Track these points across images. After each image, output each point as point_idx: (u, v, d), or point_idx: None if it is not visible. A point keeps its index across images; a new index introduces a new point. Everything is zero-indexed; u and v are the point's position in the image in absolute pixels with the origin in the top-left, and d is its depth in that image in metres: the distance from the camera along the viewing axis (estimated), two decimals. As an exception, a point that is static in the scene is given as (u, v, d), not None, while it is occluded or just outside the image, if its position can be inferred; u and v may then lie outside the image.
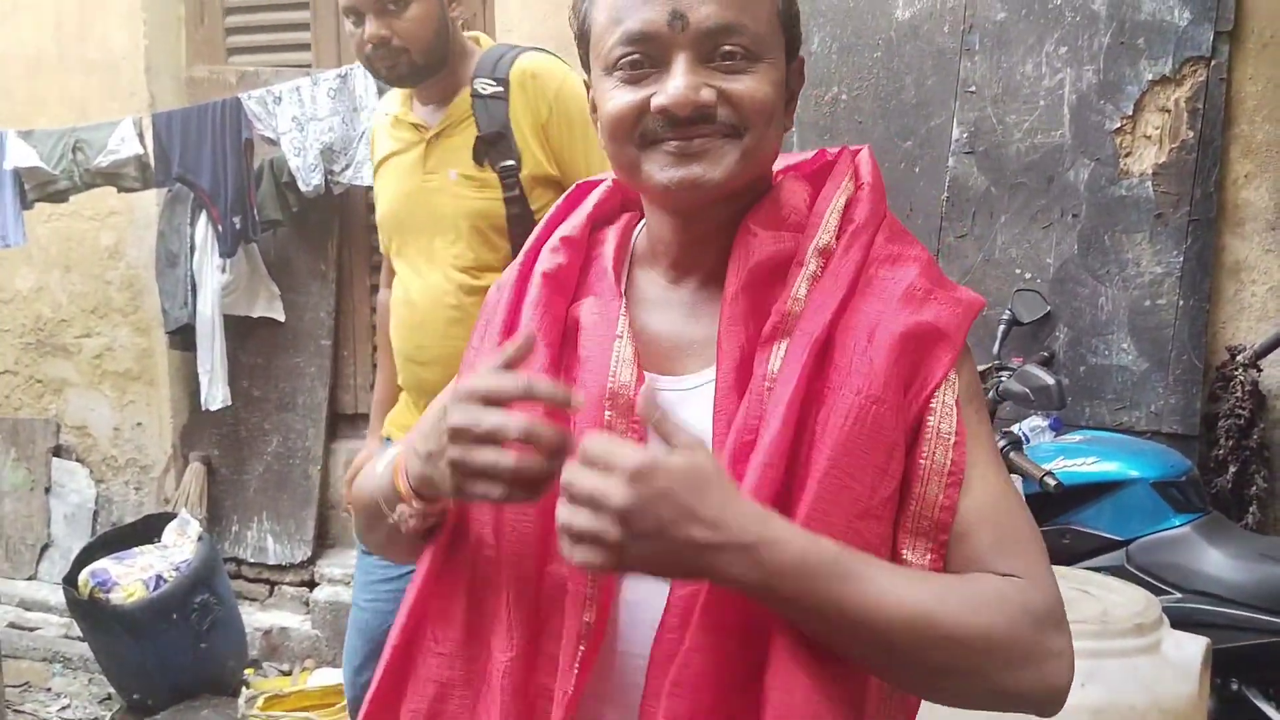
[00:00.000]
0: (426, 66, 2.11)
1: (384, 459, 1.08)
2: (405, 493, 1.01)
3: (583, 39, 1.06)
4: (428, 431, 0.96)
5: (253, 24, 4.21)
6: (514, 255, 1.18)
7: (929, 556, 0.93)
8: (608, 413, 1.00)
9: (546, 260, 1.09)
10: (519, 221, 2.08)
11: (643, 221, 1.14)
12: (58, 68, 4.26)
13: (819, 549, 0.87)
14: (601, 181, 1.17)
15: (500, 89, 2.10)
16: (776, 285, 1.00)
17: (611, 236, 1.11)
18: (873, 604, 0.86)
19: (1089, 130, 2.93)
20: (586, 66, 1.07)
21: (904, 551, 0.94)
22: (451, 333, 2.09)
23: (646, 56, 0.98)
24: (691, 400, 1.00)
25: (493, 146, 2.09)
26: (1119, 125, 2.90)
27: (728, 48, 0.97)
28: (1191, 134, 2.85)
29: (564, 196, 1.17)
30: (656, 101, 0.96)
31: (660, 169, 0.98)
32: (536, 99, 2.08)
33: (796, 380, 0.92)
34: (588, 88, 1.09)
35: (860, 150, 1.09)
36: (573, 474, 0.86)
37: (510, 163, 2.08)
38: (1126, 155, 2.91)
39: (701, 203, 1.01)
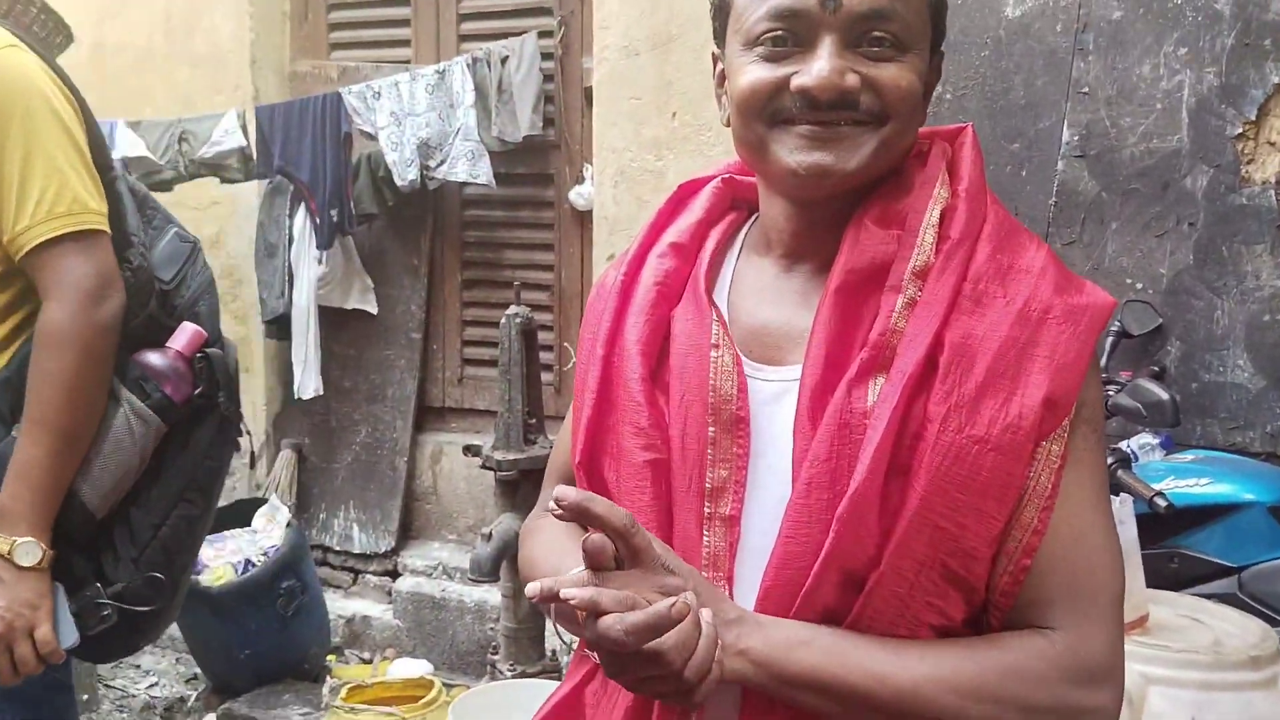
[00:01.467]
0: None
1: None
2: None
3: (721, 10, 1.02)
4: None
5: (355, 20, 4.27)
6: None
7: (1004, 579, 0.93)
8: (711, 429, 0.96)
9: (654, 266, 1.06)
10: None
11: (754, 215, 1.10)
12: (165, 60, 4.37)
13: (816, 627, 0.91)
14: (710, 180, 1.13)
15: None
16: (874, 291, 0.95)
17: (712, 239, 1.08)
18: (879, 675, 0.89)
19: (1208, 135, 2.80)
20: (720, 38, 1.04)
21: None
22: None
23: (791, 34, 0.94)
24: (793, 392, 0.97)
25: None
26: (1241, 130, 2.76)
27: (877, 34, 0.93)
28: (1320, 141, 2.70)
29: (670, 196, 1.14)
30: (798, 81, 0.93)
31: (790, 151, 0.95)
32: None
33: (887, 423, 0.89)
34: (715, 60, 1.06)
35: (960, 135, 1.03)
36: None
37: None
38: (1248, 162, 2.77)
39: (827, 192, 0.97)
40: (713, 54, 1.07)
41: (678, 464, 0.97)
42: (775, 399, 0.97)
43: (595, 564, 0.86)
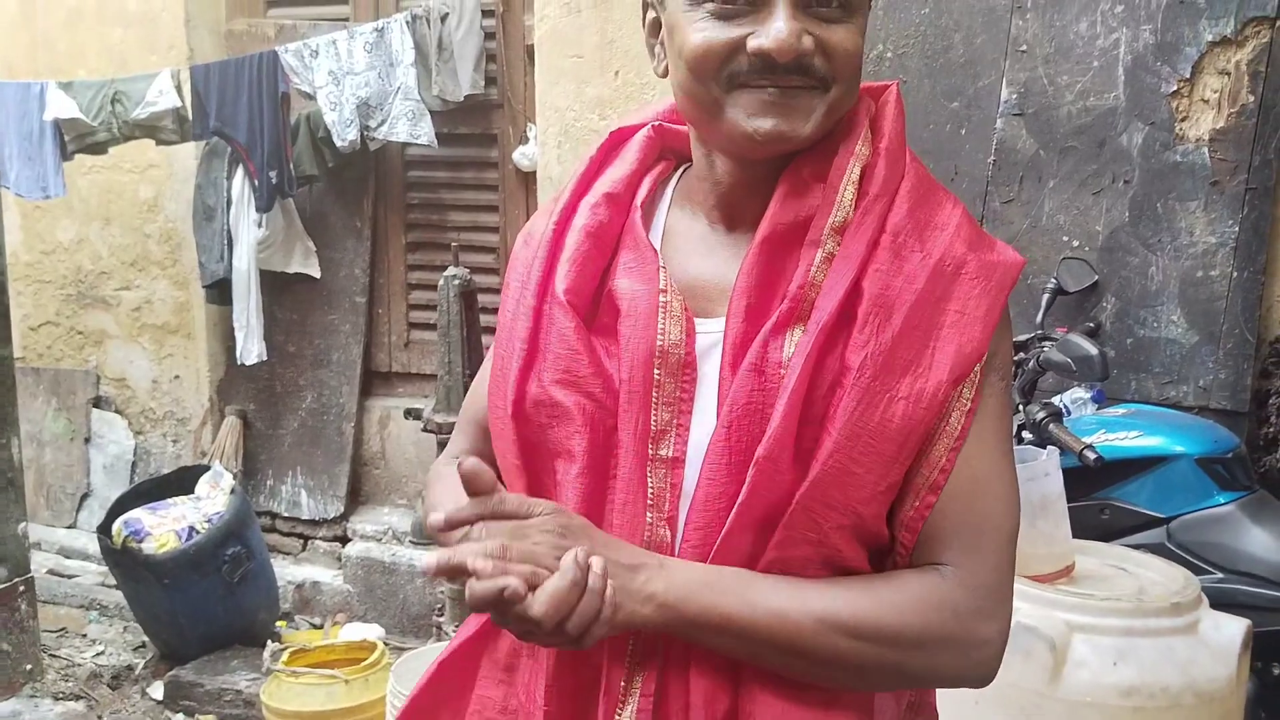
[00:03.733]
0: None
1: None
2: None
3: None
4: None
5: (292, -23, 4.18)
6: None
7: (909, 514, 0.97)
8: (656, 372, 0.97)
9: (586, 216, 1.05)
10: None
11: (684, 165, 1.10)
12: (98, 19, 4.26)
13: (720, 569, 0.94)
14: (640, 128, 1.12)
15: None
16: (797, 246, 0.97)
17: (644, 189, 1.08)
18: (779, 611, 0.92)
19: (1144, 93, 2.82)
20: None
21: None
22: None
23: None
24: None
25: None
26: (1175, 88, 2.78)
27: None
28: (1252, 98, 2.72)
29: (601, 144, 1.12)
30: (756, 43, 0.92)
31: (748, 116, 0.94)
32: None
33: (800, 372, 0.91)
34: (647, 7, 1.04)
35: (885, 92, 1.04)
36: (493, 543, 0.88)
37: None
38: (1183, 120, 2.79)
39: (778, 154, 0.98)
40: (644, 1, 1.05)
41: (623, 409, 0.97)
42: (708, 351, 0.98)
43: (474, 490, 0.90)
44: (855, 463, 0.92)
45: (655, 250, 1.02)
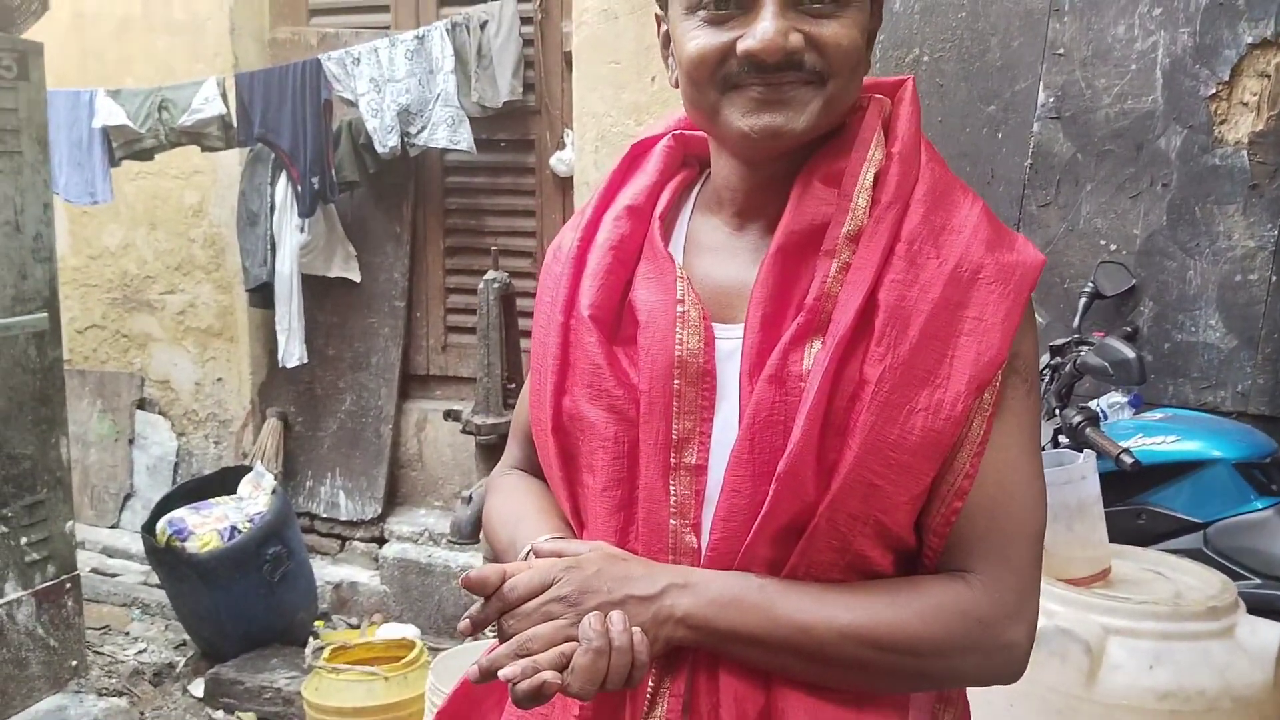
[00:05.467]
0: None
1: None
2: None
3: None
4: None
5: (334, -15, 4.24)
6: None
7: (936, 520, 0.97)
8: (676, 381, 0.98)
9: (609, 229, 1.07)
10: None
11: (706, 172, 1.11)
12: (145, 28, 4.35)
13: (744, 580, 0.95)
14: (660, 138, 1.14)
15: None
16: (813, 253, 0.98)
17: (664, 199, 1.09)
18: (804, 625, 0.93)
19: (1182, 96, 2.80)
20: (662, 2, 1.04)
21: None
22: None
23: None
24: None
25: None
26: (1214, 91, 2.77)
27: None
28: (1293, 101, 2.71)
29: (623, 157, 1.14)
30: (744, 45, 0.93)
31: (742, 115, 0.96)
32: None
33: (818, 386, 0.92)
34: (659, 21, 1.06)
35: (900, 89, 1.04)
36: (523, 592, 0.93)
37: None
38: (1221, 123, 2.77)
39: (779, 151, 0.99)
40: (655, 15, 1.08)
41: (644, 419, 0.99)
42: (729, 356, 0.99)
43: (484, 594, 0.95)
44: (877, 475, 0.92)
45: (673, 260, 1.03)
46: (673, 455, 0.98)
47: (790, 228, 0.98)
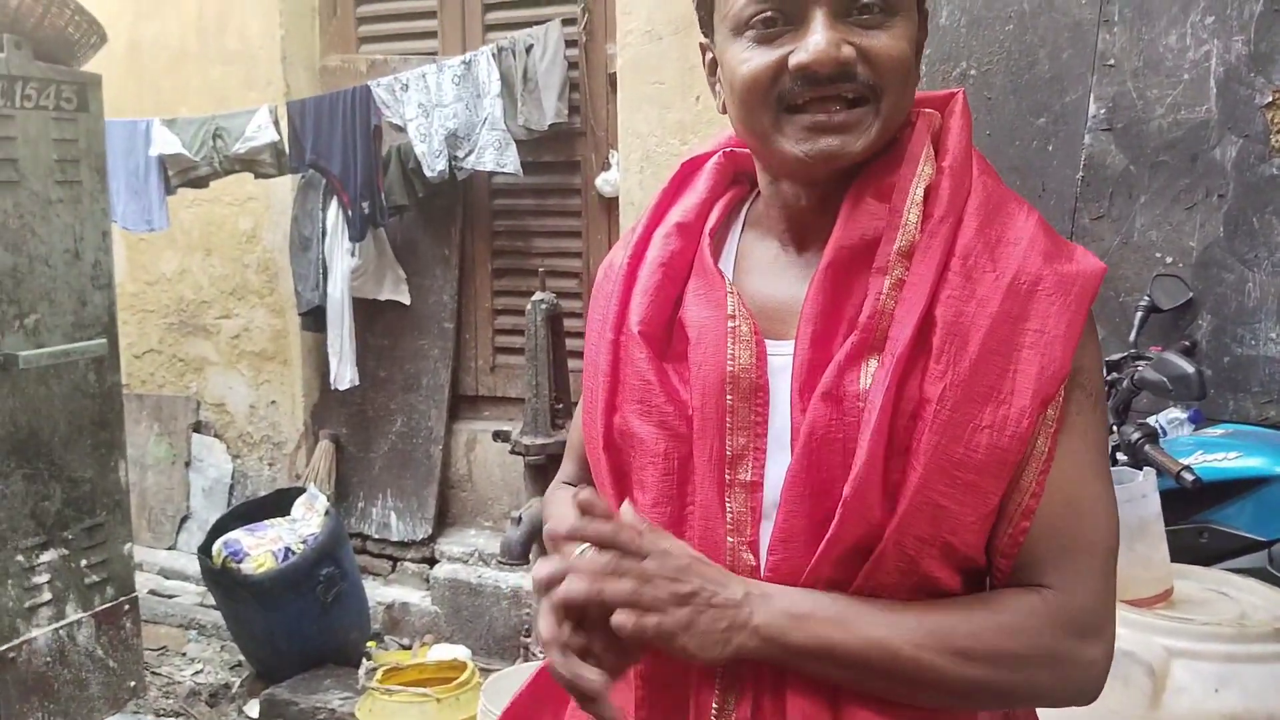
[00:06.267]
0: None
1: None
2: None
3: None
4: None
5: (382, 13, 4.31)
6: None
7: (1004, 540, 0.95)
8: (729, 397, 0.98)
9: (659, 247, 1.07)
10: None
11: (756, 189, 1.11)
12: (199, 59, 4.44)
13: (817, 595, 0.94)
14: (711, 155, 1.14)
15: None
16: (864, 268, 0.97)
17: (714, 216, 1.09)
18: (880, 641, 0.92)
19: (1237, 105, 2.76)
20: (707, 28, 1.04)
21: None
22: None
23: (780, 13, 0.94)
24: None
25: None
26: (1270, 99, 2.72)
27: (866, 0, 0.94)
28: (1353, 108, 2.65)
29: (674, 174, 1.14)
30: (796, 59, 0.93)
31: (797, 142, 0.96)
32: None
33: (880, 407, 0.91)
34: (704, 50, 1.06)
35: (950, 102, 1.03)
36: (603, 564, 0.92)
37: None
38: (1278, 132, 2.72)
39: (836, 173, 0.98)
40: (700, 44, 1.08)
41: (698, 435, 0.98)
42: (780, 372, 0.98)
43: (588, 512, 0.93)
44: (943, 496, 0.91)
45: (723, 276, 1.03)
46: (728, 472, 0.97)
47: (841, 243, 0.97)
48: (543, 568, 0.93)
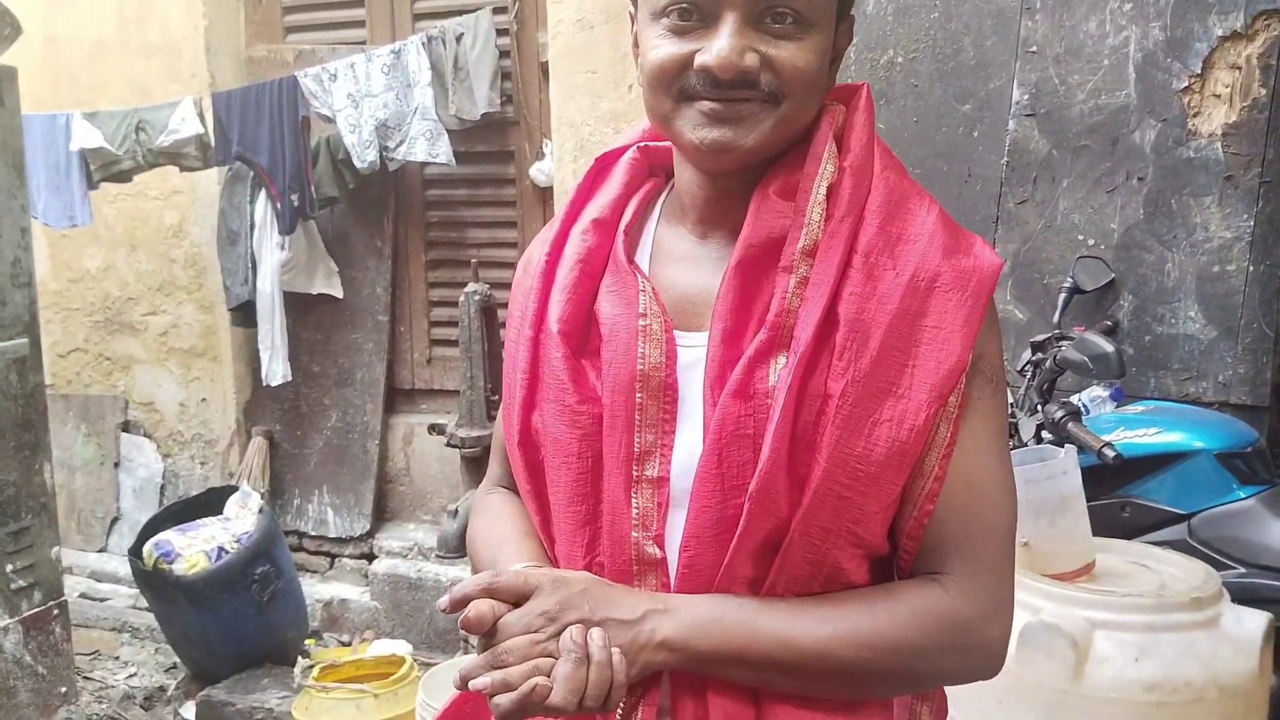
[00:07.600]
0: None
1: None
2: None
3: None
4: None
5: (309, 2, 4.25)
6: None
7: (910, 523, 0.98)
8: (638, 395, 0.98)
9: (576, 244, 1.07)
10: None
11: (671, 181, 1.12)
12: (120, 50, 4.34)
13: (723, 601, 0.96)
14: (626, 150, 1.14)
15: None
16: (771, 265, 0.98)
17: (630, 210, 1.10)
18: (785, 641, 0.94)
19: (1155, 90, 2.82)
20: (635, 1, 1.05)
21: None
22: None
23: (696, 8, 0.95)
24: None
25: None
26: (1187, 84, 2.79)
27: (780, 9, 0.94)
28: (1264, 92, 2.72)
29: (589, 169, 1.14)
30: (700, 60, 0.94)
31: (693, 128, 0.97)
32: None
33: (783, 404, 0.93)
34: (632, 19, 1.06)
35: (855, 97, 1.04)
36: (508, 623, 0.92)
37: None
38: (1195, 115, 2.79)
39: (729, 165, 0.99)
40: (630, 13, 1.08)
41: (607, 432, 0.99)
42: (694, 365, 0.99)
43: (480, 633, 0.93)
44: (845, 488, 0.93)
45: (635, 274, 1.03)
46: (635, 468, 0.98)
47: (750, 241, 0.98)
48: (455, 679, 0.94)
